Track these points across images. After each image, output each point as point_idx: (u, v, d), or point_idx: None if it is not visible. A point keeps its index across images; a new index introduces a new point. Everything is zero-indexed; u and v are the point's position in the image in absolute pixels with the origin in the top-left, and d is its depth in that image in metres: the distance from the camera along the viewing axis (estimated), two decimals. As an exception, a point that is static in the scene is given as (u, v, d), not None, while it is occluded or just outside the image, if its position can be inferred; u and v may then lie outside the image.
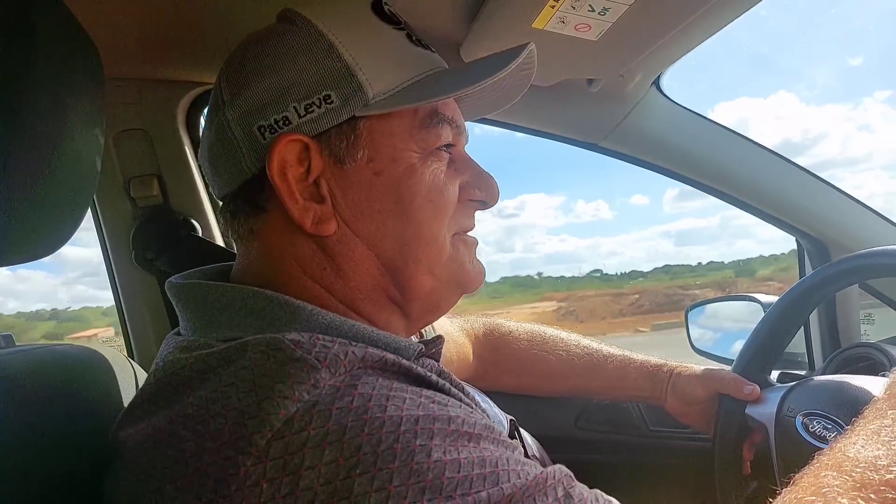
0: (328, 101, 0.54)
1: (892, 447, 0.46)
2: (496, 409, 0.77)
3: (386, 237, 0.57)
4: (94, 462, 0.51)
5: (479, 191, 0.63)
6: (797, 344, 1.33)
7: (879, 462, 0.45)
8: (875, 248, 0.80)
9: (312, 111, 0.54)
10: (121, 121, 0.95)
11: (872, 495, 0.42)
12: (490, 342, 1.10)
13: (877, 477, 0.43)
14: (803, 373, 1.25)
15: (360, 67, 0.55)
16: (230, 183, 0.57)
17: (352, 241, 0.56)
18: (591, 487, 0.47)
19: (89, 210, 0.70)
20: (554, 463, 0.47)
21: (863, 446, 0.47)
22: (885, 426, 0.49)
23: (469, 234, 0.64)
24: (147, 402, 0.48)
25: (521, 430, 0.79)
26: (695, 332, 1.44)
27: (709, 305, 1.46)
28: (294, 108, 0.54)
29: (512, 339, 1.09)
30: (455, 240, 0.61)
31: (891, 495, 0.42)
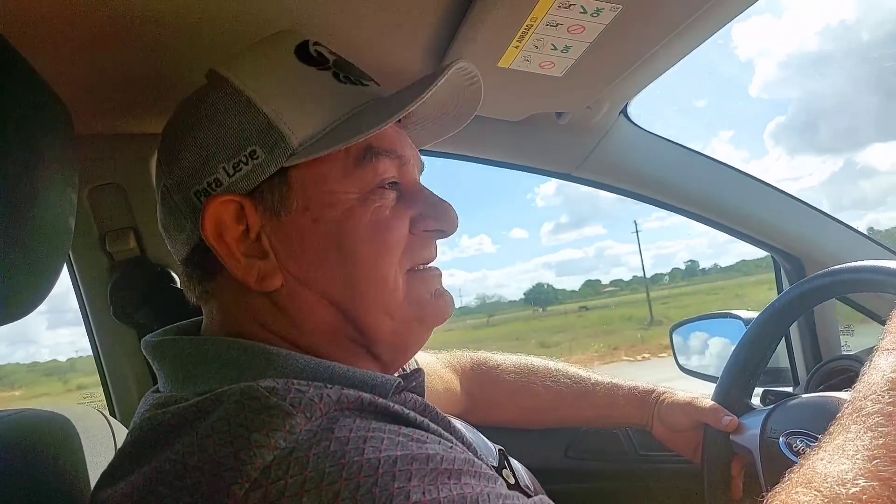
0: (254, 156, 0.54)
1: (857, 461, 0.47)
2: (485, 441, 0.76)
3: (335, 282, 0.56)
4: None
5: (435, 220, 0.61)
6: (782, 359, 1.34)
7: (846, 476, 0.46)
8: (842, 266, 0.82)
9: (241, 169, 0.54)
10: (95, 176, 0.95)
11: None
12: (478, 376, 1.09)
13: (844, 491, 0.45)
14: (788, 388, 1.26)
15: (281, 117, 0.54)
16: (182, 249, 0.58)
17: (301, 291, 0.56)
18: None
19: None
20: (547, 494, 0.47)
21: (829, 461, 0.49)
22: (849, 440, 0.50)
23: (429, 265, 0.63)
24: (125, 462, 0.48)
25: (511, 460, 0.78)
26: (680, 352, 1.44)
27: (692, 324, 1.47)
28: (223, 168, 0.54)
29: (500, 372, 1.08)
30: (409, 277, 0.60)
31: None
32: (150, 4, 0.66)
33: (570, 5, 0.70)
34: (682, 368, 1.41)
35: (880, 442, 0.48)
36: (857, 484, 0.45)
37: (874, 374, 0.55)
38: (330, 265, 0.56)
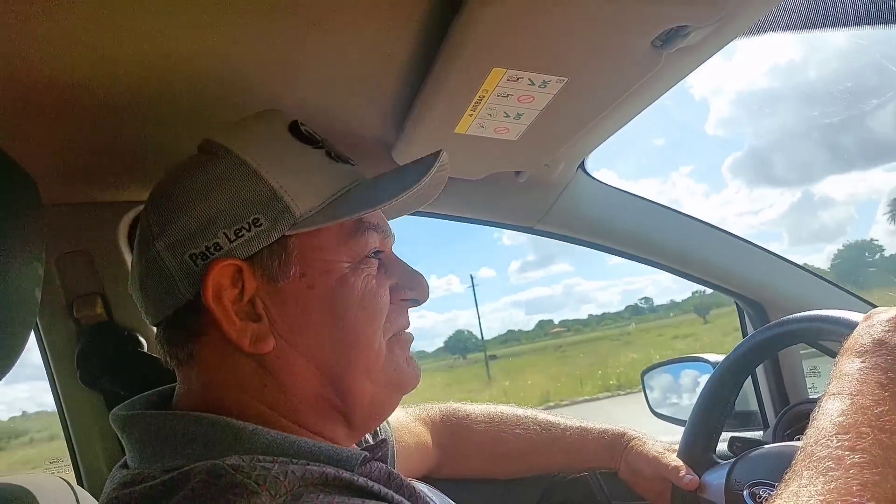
0: (257, 224, 0.56)
1: None
2: (450, 503, 0.77)
3: (324, 347, 0.59)
4: None
5: (410, 290, 0.66)
6: (752, 402, 1.36)
7: None
8: (786, 318, 0.84)
9: (243, 235, 0.56)
10: (62, 244, 0.96)
11: None
12: (448, 428, 1.10)
13: None
14: (758, 432, 1.27)
15: (285, 189, 0.57)
16: (164, 310, 0.59)
17: (291, 354, 0.58)
18: None
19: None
20: None
21: None
22: (803, 486, 0.52)
23: (406, 330, 0.66)
24: None
25: None
26: (652, 395, 1.46)
27: (663, 367, 1.49)
28: (224, 233, 0.56)
29: (470, 422, 1.09)
30: (391, 342, 0.63)
31: None
32: (119, 77, 0.68)
33: (518, 79, 0.73)
34: (654, 412, 1.43)
35: (832, 486, 0.50)
36: None
37: (822, 420, 0.57)
38: (321, 330, 0.58)
